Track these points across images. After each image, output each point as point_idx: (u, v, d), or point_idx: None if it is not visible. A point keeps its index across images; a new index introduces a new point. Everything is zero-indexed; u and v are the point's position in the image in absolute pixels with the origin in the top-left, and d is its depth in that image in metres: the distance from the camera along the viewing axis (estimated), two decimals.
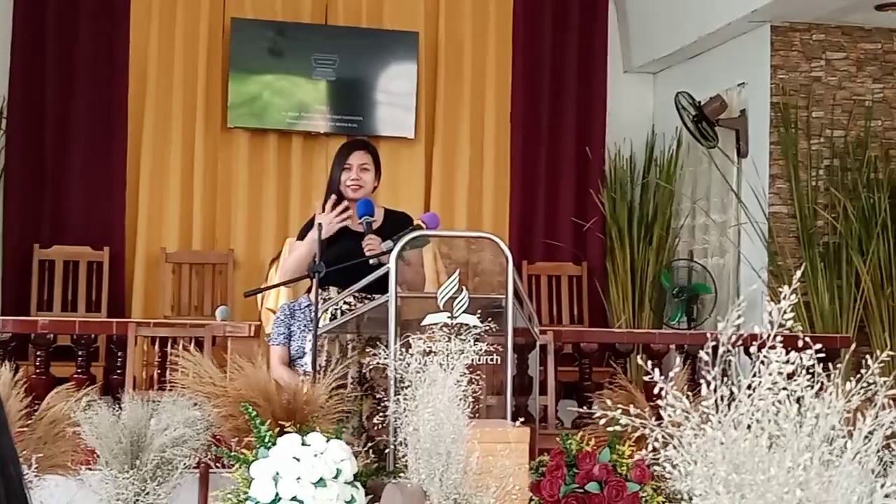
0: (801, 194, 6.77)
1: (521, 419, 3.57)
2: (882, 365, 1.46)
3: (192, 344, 5.23)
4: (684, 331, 7.02)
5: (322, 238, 4.15)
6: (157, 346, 5.50)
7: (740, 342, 1.39)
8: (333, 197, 4.42)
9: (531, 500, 3.61)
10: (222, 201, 7.53)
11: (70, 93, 7.28)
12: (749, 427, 1.33)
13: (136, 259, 7.35)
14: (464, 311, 3.86)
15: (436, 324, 3.81)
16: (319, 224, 4.27)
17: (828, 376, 1.40)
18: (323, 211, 4.37)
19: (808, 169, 6.83)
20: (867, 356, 1.51)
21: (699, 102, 7.23)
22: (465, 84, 7.82)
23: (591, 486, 3.67)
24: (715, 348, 1.41)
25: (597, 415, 1.56)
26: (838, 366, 1.53)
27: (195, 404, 3.64)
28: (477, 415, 3.37)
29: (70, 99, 7.29)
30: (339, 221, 4.35)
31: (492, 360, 3.86)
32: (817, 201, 6.81)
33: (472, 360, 3.23)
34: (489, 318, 3.83)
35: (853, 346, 6.02)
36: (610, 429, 1.44)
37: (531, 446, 3.54)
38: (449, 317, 3.86)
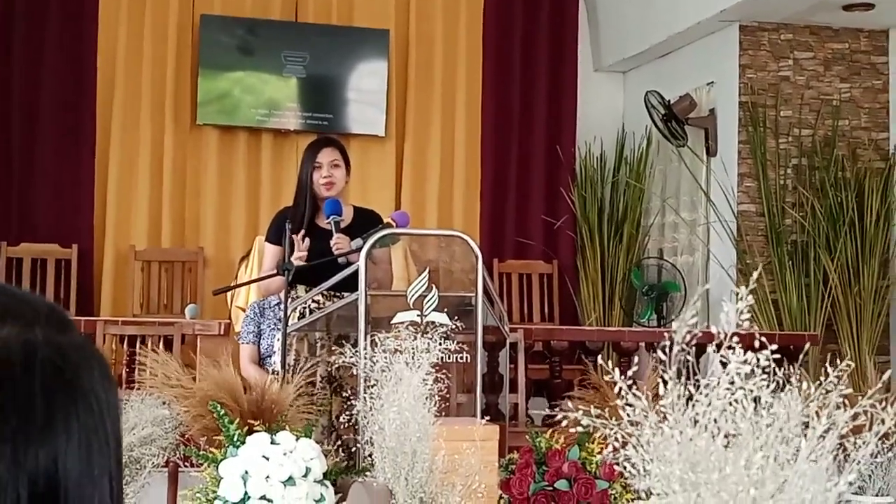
0: (770, 193, 6.82)
1: (488, 417, 3.58)
2: (844, 370, 1.47)
3: (162, 342, 5.23)
4: (654, 329, 7.05)
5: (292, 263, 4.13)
6: (125, 345, 5.47)
7: (695, 342, 1.41)
8: (301, 235, 4.34)
9: (501, 498, 3.61)
10: (191, 199, 7.49)
11: (37, 89, 7.22)
12: (706, 427, 1.34)
13: (105, 257, 7.30)
14: (433, 310, 3.87)
15: (405, 322, 3.81)
16: (288, 223, 4.27)
17: (787, 377, 1.41)
18: (291, 236, 4.28)
19: (776, 168, 6.88)
20: (834, 353, 1.53)
21: (669, 101, 7.27)
22: (435, 82, 7.82)
23: (561, 484, 3.68)
24: (671, 347, 1.43)
25: (558, 417, 1.57)
26: (801, 365, 1.55)
27: (164, 403, 3.63)
28: (446, 413, 3.38)
29: (37, 95, 7.22)
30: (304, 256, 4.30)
31: (462, 358, 3.86)
32: (785, 200, 6.86)
33: (442, 358, 3.23)
34: (456, 317, 3.83)
35: (821, 344, 6.04)
36: (572, 430, 1.46)
37: (501, 444, 3.54)
38: (418, 315, 3.86)
